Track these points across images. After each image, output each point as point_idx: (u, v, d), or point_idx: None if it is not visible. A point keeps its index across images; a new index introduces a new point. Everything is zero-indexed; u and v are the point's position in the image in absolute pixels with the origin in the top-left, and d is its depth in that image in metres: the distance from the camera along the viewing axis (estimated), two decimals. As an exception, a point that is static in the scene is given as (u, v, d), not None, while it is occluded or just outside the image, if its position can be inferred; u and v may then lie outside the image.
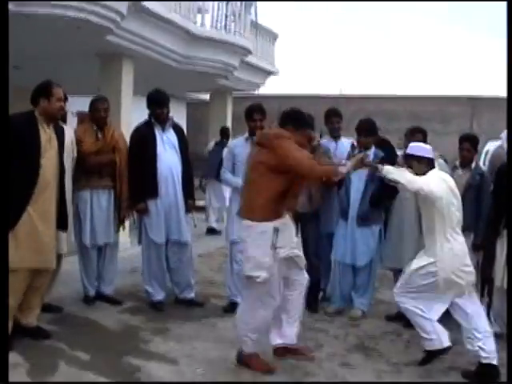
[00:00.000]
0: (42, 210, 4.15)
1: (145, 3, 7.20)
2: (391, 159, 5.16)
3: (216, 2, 9.47)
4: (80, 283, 5.37)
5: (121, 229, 5.44)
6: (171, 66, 8.79)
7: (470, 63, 42.48)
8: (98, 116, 5.22)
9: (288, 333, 4.15)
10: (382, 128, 5.64)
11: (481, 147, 5.46)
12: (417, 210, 4.62)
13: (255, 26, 11.66)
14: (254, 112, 5.10)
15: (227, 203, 6.69)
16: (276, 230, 3.84)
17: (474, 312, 4.00)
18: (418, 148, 4.25)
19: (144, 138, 5.23)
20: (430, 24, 44.16)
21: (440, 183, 4.02)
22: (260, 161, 3.89)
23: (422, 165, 4.14)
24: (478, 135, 5.38)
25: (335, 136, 5.74)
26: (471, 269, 4.07)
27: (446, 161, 5.27)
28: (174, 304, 5.44)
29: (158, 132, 5.26)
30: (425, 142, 4.81)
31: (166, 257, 5.37)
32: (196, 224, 6.70)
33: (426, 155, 4.16)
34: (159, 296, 5.37)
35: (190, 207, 5.42)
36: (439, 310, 4.08)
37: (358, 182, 5.13)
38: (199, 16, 9.14)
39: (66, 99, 4.43)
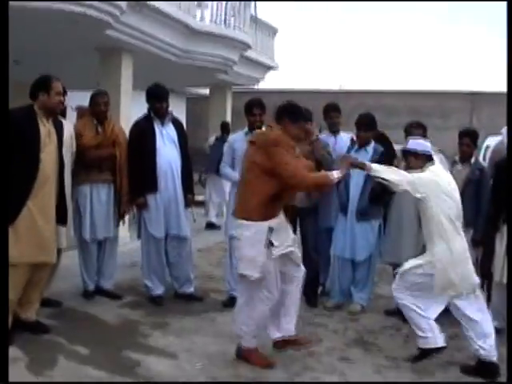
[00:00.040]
0: (42, 204, 4.15)
1: (144, -3, 7.18)
2: (389, 155, 5.17)
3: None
4: (79, 278, 5.38)
5: (120, 223, 5.45)
6: (170, 60, 8.77)
7: (469, 58, 42.46)
8: (98, 110, 5.22)
9: (286, 326, 4.16)
10: (382, 123, 5.62)
11: (480, 142, 5.47)
12: (416, 205, 4.62)
13: (255, 20, 11.63)
14: (254, 107, 5.10)
15: (227, 198, 6.69)
16: (271, 230, 3.85)
17: (475, 314, 3.96)
18: (415, 143, 4.24)
19: (143, 133, 5.23)
20: (430, 19, 44.12)
21: (428, 183, 3.98)
22: (256, 162, 3.89)
23: (419, 160, 4.14)
24: (478, 130, 5.38)
25: (334, 131, 5.74)
26: (469, 271, 4.01)
27: (445, 155, 5.26)
28: (174, 298, 5.44)
29: (157, 126, 5.26)
30: (424, 136, 4.81)
31: (166, 251, 5.37)
32: (195, 219, 6.68)
33: (423, 151, 4.16)
34: (159, 290, 5.37)
35: (190, 202, 5.42)
36: (437, 309, 4.08)
37: (357, 177, 5.12)
38: (199, 10, 9.12)
39: (65, 93, 4.42)
